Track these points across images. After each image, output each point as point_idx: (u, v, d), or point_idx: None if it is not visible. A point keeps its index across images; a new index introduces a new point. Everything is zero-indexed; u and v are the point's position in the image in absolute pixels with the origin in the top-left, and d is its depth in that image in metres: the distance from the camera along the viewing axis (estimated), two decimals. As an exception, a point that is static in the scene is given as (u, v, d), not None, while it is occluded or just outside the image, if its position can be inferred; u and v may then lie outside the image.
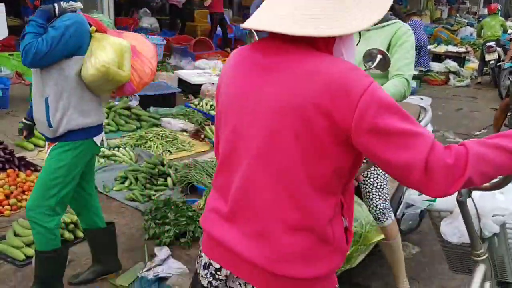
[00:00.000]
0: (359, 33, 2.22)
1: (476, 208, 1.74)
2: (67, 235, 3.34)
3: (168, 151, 5.34)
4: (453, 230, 1.81)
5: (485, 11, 13.65)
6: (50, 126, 2.48)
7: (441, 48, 11.90)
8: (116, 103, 6.38)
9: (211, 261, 1.38)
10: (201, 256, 1.43)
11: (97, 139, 2.62)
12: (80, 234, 3.40)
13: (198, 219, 3.47)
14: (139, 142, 5.45)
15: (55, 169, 2.50)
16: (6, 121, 5.99)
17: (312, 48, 1.21)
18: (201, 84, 7.50)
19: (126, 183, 4.33)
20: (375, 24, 1.19)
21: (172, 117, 6.30)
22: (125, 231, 3.60)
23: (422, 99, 4.27)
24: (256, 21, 1.23)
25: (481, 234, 1.78)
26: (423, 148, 1.12)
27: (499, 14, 11.78)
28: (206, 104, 6.72)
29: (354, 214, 1.50)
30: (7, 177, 4.16)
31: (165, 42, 10.19)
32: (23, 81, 7.79)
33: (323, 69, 1.17)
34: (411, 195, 1.95)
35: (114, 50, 2.46)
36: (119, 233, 3.55)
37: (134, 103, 6.52)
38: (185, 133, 5.97)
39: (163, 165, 4.51)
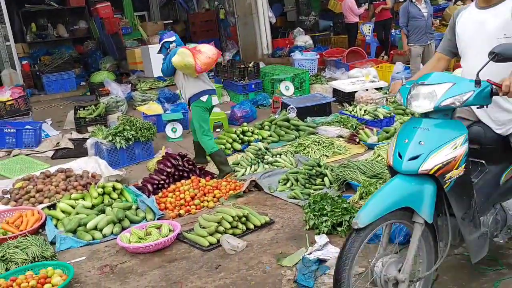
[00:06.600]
0: None
1: None
2: (240, 226, 3.94)
3: (325, 155, 5.73)
4: None
5: None
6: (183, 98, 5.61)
7: None
8: (277, 116, 7.02)
9: None
10: None
11: (203, 98, 5.39)
12: (251, 226, 3.97)
13: (353, 210, 3.77)
14: (298, 149, 5.95)
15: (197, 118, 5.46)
16: (188, 139, 7.02)
17: None
18: (354, 92, 7.80)
19: (288, 184, 4.84)
20: None
21: (327, 125, 6.70)
22: (289, 223, 4.06)
23: None
24: None
25: None
26: None
27: None
28: (360, 109, 6.98)
29: None
30: (192, 182, 4.98)
31: (318, 56, 10.71)
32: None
33: None
34: None
35: (179, 55, 5.19)
36: (284, 225, 4.03)
37: (292, 115, 7.09)
38: (340, 139, 6.31)
39: (320, 166, 4.90)
